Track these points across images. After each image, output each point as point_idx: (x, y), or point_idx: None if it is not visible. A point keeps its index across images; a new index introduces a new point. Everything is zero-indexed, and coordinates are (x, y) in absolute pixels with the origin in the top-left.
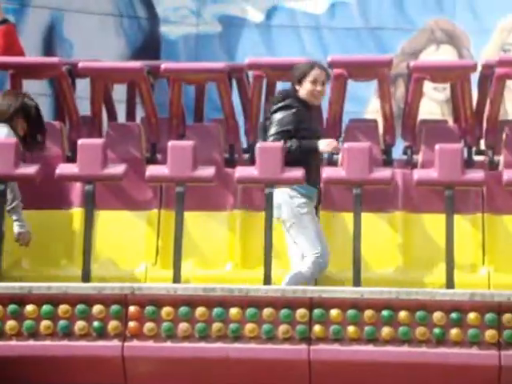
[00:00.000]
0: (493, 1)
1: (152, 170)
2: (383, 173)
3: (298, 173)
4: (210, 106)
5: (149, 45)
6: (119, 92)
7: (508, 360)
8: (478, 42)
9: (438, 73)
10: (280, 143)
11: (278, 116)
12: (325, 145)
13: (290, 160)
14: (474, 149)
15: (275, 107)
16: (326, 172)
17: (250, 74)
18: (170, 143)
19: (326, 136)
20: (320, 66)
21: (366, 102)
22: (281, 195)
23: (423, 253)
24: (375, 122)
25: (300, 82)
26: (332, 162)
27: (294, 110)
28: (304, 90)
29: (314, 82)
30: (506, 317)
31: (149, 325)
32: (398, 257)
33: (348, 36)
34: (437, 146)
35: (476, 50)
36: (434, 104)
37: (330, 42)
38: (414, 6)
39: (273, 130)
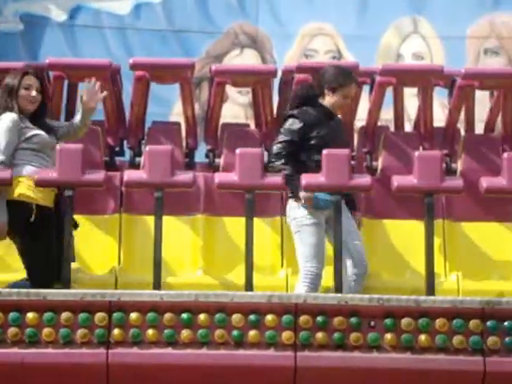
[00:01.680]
0: (295, 7)
1: None
2: (185, 176)
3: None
4: None
5: None
6: None
7: (303, 361)
8: (281, 46)
9: (238, 77)
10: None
11: (287, 123)
12: (302, 196)
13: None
14: None
15: (289, 112)
16: (127, 175)
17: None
18: None
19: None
20: (357, 81)
21: (171, 104)
22: (290, 204)
23: (224, 255)
24: (178, 124)
25: (333, 90)
26: (134, 165)
27: (301, 121)
28: (332, 100)
29: (346, 96)
30: (302, 318)
31: None
32: (200, 260)
33: (153, 38)
34: (237, 150)
35: (279, 55)
36: (238, 107)
37: (135, 43)
38: (218, 9)
39: (279, 138)
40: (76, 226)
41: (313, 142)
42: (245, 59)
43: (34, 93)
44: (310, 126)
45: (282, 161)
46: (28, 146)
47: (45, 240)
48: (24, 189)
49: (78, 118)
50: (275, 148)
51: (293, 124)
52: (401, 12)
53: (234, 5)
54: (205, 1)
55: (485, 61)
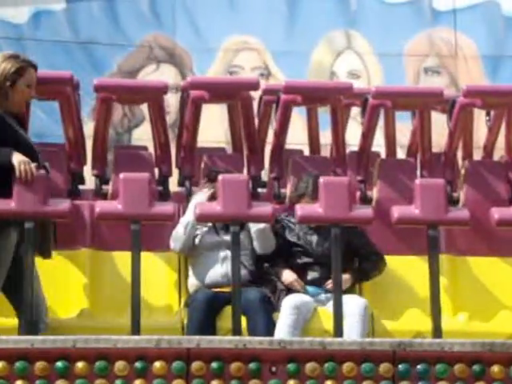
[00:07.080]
0: (215, 18)
1: None
2: (61, 204)
3: None
4: None
5: None
6: None
7: None
8: (202, 61)
9: (125, 93)
10: None
11: None
12: None
13: None
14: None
15: None
16: None
17: None
18: None
19: None
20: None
21: None
22: None
23: (112, 294)
24: (61, 146)
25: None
26: None
27: None
28: None
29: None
30: (195, 365)
31: None
32: (85, 300)
33: (56, 49)
34: (121, 175)
35: (200, 71)
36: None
37: (36, 54)
38: (130, 19)
39: None
40: None
41: None
42: (163, 75)
43: None
44: None
45: None
46: None
47: None
48: None
49: None
50: None
51: None
52: (332, 25)
53: (148, 14)
54: (113, 9)
55: (426, 80)
